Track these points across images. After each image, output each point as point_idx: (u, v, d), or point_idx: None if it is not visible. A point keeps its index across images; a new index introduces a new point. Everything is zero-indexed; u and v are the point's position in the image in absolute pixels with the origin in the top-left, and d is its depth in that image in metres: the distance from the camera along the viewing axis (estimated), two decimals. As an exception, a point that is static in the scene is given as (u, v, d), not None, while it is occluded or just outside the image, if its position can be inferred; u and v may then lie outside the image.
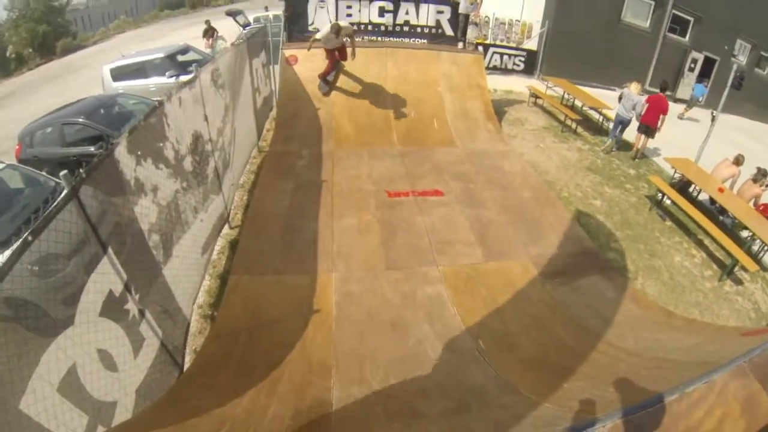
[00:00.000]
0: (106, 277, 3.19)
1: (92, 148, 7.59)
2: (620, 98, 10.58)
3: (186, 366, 4.41)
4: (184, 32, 22.48)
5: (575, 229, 6.91)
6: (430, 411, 3.67)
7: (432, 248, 5.87)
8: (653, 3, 17.84)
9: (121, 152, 3.52)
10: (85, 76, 18.03)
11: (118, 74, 11.81)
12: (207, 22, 15.92)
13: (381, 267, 5.50)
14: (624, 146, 11.06)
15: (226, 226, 6.48)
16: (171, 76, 11.05)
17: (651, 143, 10.88)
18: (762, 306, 6.87)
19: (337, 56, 8.88)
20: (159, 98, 4.47)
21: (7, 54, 28.75)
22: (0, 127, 12.42)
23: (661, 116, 10.17)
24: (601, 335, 4.81)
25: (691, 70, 19.51)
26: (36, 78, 17.55)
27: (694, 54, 19.20)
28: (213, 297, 5.37)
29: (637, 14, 18.01)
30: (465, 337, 4.59)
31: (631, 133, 10.89)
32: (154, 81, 11.43)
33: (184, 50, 12.61)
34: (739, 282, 7.15)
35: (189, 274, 4.87)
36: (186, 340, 4.69)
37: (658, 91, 10.87)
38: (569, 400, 3.47)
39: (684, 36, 18.94)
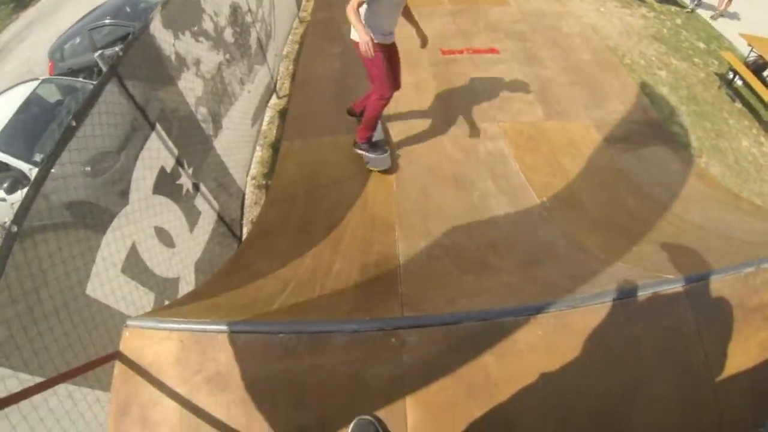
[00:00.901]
0: (155, 153, 3.14)
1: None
2: None
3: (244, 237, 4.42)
4: None
5: (639, 97, 6.52)
6: (502, 263, 3.58)
7: (491, 104, 5.66)
8: None
9: (157, 27, 3.37)
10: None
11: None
12: None
13: (440, 123, 5.31)
14: (692, 20, 10.19)
15: (274, 96, 6.36)
16: None
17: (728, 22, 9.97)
18: None
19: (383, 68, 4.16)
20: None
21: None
22: (28, 57, 11.98)
23: None
24: (667, 206, 4.60)
25: None
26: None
27: None
28: (266, 167, 5.34)
29: None
30: (529, 194, 4.45)
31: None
32: None
33: None
34: None
35: (240, 145, 4.86)
36: (243, 211, 4.75)
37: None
38: (641, 260, 3.36)
39: None
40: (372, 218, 4.18)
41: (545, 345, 2.21)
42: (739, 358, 2.28)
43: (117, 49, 2.88)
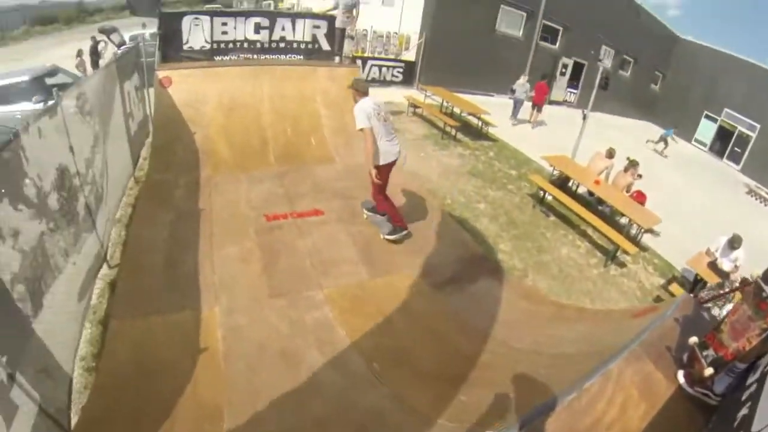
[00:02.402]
0: None
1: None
2: (513, 90, 15.79)
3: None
4: (54, 52, 20.65)
5: (461, 234, 7.00)
6: None
7: (315, 270, 5.66)
8: (525, 14, 19.10)
9: None
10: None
11: (-23, 100, 10.51)
12: (93, 38, 15.07)
13: (264, 295, 5.20)
14: (503, 150, 11.52)
15: (105, 266, 5.86)
16: (39, 101, 9.90)
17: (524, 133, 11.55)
18: (646, 284, 7.40)
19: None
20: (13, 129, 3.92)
21: None
22: None
23: (544, 96, 15.89)
24: (497, 338, 4.83)
25: (563, 74, 21.08)
26: None
27: (565, 60, 20.84)
28: (96, 346, 4.83)
29: (510, 24, 19.34)
30: (357, 359, 4.41)
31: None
32: (19, 107, 10.02)
33: (53, 72, 11.33)
34: (622, 265, 7.66)
35: (66, 324, 4.36)
36: (71, 398, 4.15)
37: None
38: (470, 414, 3.40)
39: (554, 44, 20.49)
40: (201, 404, 3.95)
41: None
42: None
43: None
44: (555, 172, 9.84)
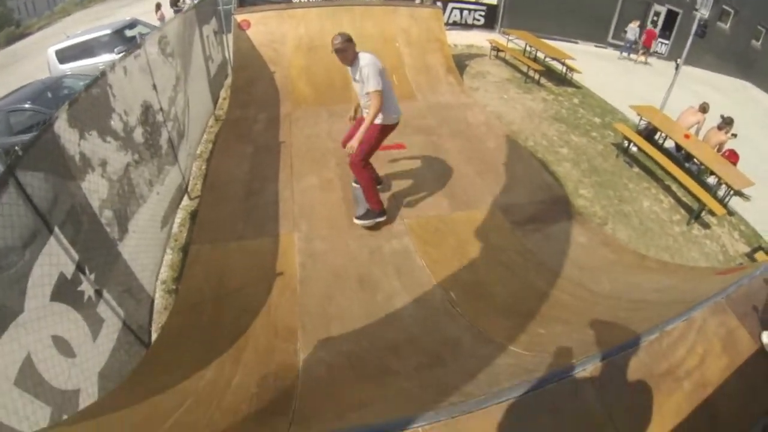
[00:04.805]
0: (55, 258, 2.96)
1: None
2: (626, 31, 16.87)
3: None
4: (134, 9, 21.47)
5: (543, 176, 6.79)
6: (402, 368, 3.51)
7: (397, 201, 5.69)
8: (616, -43, 17.81)
9: (62, 126, 3.29)
10: (31, 64, 17.28)
11: (64, 56, 11.23)
12: None
13: (345, 223, 5.30)
14: (587, 98, 11.04)
15: (186, 198, 6.23)
16: (120, 52, 10.51)
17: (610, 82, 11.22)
18: (729, 249, 6.96)
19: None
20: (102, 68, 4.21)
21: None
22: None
23: (653, 40, 16.96)
24: (575, 280, 4.69)
25: (654, 23, 19.62)
26: (-23, 74, 16.70)
27: (657, 7, 19.28)
28: (177, 271, 5.16)
29: (599, -32, 17.93)
30: (435, 290, 4.43)
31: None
32: (103, 59, 10.73)
33: (132, 24, 11.98)
34: (706, 226, 7.22)
35: (149, 249, 4.66)
36: (151, 317, 4.49)
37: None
38: (547, 346, 3.35)
39: (647, -11, 18.97)
40: (275, 325, 4.07)
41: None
42: (656, 429, 2.26)
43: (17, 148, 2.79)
44: (642, 123, 9.33)
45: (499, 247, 5.12)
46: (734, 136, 8.94)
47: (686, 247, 6.62)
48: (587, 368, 2.35)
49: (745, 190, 7.94)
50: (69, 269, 3.11)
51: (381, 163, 6.41)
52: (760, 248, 7.19)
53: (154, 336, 4.34)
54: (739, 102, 16.65)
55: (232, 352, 3.75)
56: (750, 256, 6.92)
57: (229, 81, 9.67)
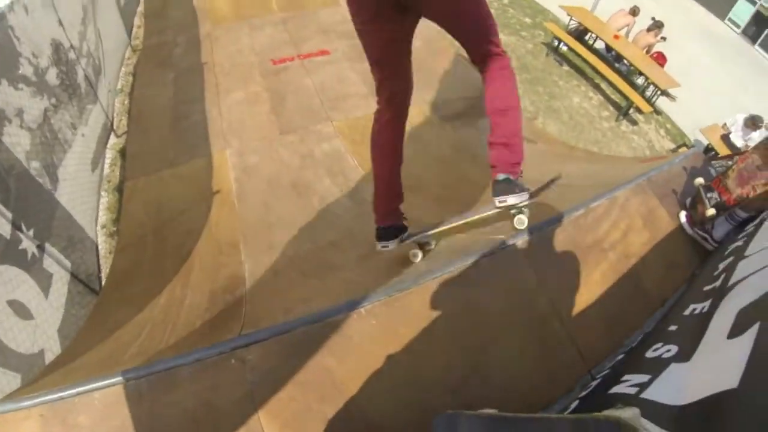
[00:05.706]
0: None
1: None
2: None
3: (105, 291, 4.19)
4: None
5: (471, 72, 6.72)
6: (345, 261, 3.62)
7: (324, 106, 5.66)
8: None
9: None
10: None
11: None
12: None
13: (275, 133, 5.25)
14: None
15: (113, 136, 5.98)
16: None
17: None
18: (656, 145, 7.36)
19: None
20: (-1, 9, 3.88)
21: None
22: None
23: None
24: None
25: None
26: None
27: None
28: (115, 212, 5.07)
29: None
30: (368, 186, 4.43)
31: None
32: None
33: None
34: (634, 123, 7.59)
35: (83, 195, 4.59)
36: (99, 264, 4.47)
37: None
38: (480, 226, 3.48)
39: None
40: (218, 242, 4.10)
41: (382, 332, 2.22)
42: (584, 295, 2.47)
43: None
44: (572, 23, 9.44)
45: (430, 141, 5.21)
46: (663, 39, 9.23)
47: (614, 141, 6.93)
48: (518, 241, 2.53)
49: (672, 92, 8.30)
50: (5, 229, 3.04)
51: (305, 71, 6.35)
52: (683, 145, 7.66)
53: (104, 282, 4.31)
54: (670, 8, 16.90)
55: (181, 275, 3.78)
56: (674, 152, 7.31)
57: (141, 8, 8.97)
